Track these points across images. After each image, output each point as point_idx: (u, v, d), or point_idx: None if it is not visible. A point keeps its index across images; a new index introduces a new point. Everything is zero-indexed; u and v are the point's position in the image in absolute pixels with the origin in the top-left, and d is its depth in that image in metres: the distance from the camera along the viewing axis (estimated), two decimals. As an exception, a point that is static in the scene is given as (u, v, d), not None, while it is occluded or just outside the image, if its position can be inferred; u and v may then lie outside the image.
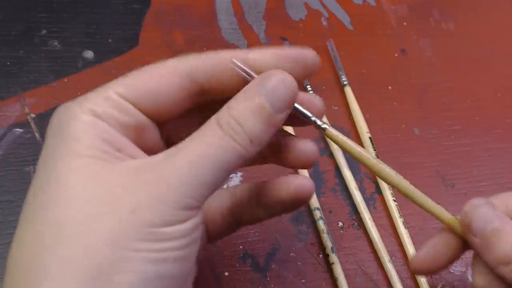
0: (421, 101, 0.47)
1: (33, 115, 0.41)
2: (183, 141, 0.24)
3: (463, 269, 0.39)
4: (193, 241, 0.24)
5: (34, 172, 0.38)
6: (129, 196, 0.22)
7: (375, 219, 0.39)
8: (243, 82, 0.26)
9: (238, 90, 0.26)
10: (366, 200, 0.40)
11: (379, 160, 0.28)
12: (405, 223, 0.39)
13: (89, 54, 0.45)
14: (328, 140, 0.42)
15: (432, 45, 0.51)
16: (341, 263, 0.37)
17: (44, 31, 0.45)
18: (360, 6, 0.53)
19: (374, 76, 0.48)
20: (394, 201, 0.40)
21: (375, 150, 0.42)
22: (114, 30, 0.46)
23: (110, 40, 0.46)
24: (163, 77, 0.26)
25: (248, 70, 0.27)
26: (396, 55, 0.50)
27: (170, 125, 0.28)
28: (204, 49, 0.47)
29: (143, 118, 0.26)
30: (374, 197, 0.41)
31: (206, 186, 0.24)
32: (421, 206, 0.29)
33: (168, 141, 0.29)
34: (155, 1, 0.49)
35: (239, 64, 0.27)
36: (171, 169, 0.23)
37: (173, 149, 0.24)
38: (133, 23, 0.47)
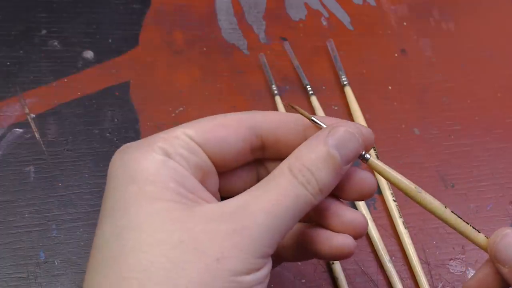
0: (421, 101, 0.47)
1: (33, 115, 0.41)
2: (255, 188, 0.25)
3: (463, 269, 0.39)
4: (266, 286, 0.24)
5: (33, 173, 0.38)
6: (213, 245, 0.23)
7: (375, 219, 0.39)
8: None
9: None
10: (366, 200, 0.40)
11: (422, 190, 0.28)
12: (405, 223, 0.39)
13: (89, 54, 0.45)
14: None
15: (432, 45, 0.51)
16: (341, 263, 0.37)
17: (44, 31, 0.45)
18: (360, 6, 0.53)
19: (374, 76, 0.48)
20: (394, 201, 0.40)
21: (375, 150, 0.42)
22: (114, 30, 0.46)
23: (110, 40, 0.46)
24: (230, 126, 0.27)
25: (323, 125, 0.27)
26: (396, 55, 0.50)
27: (225, 177, 0.29)
28: (204, 49, 0.47)
29: (208, 161, 0.27)
30: (374, 197, 0.41)
31: (280, 234, 0.24)
32: (466, 237, 0.29)
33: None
34: (155, 1, 0.49)
35: (316, 119, 0.27)
36: (251, 219, 0.23)
37: (247, 197, 0.24)
38: (133, 23, 0.47)
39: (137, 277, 0.22)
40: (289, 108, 0.29)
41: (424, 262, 0.38)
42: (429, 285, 0.37)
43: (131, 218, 0.23)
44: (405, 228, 0.39)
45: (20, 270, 0.34)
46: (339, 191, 0.28)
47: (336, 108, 0.45)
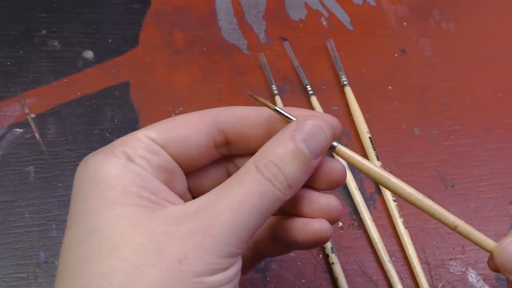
0: (421, 101, 0.47)
1: (33, 115, 0.41)
2: (220, 187, 0.24)
3: (463, 269, 0.39)
4: (234, 286, 0.24)
5: (33, 173, 0.38)
6: (175, 246, 0.22)
7: (375, 219, 0.39)
8: (268, 136, 0.27)
9: (262, 144, 0.26)
10: (366, 200, 0.40)
11: (389, 174, 0.28)
12: (405, 223, 0.39)
13: (89, 54, 0.45)
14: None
15: (432, 45, 0.51)
16: (341, 263, 0.37)
17: (44, 31, 0.45)
18: (360, 6, 0.53)
19: (374, 76, 0.48)
20: (394, 201, 0.40)
21: (375, 150, 0.42)
22: (114, 30, 0.46)
23: (110, 40, 0.46)
24: (191, 124, 0.27)
25: (288, 114, 0.27)
26: (396, 55, 0.50)
27: (194, 177, 0.28)
28: (204, 49, 0.47)
29: (172, 162, 0.27)
30: (374, 197, 0.41)
31: (247, 233, 0.24)
32: (438, 219, 0.29)
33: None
34: (155, 1, 0.49)
35: (279, 109, 0.27)
36: (214, 218, 0.23)
37: (211, 196, 0.24)
38: (133, 23, 0.47)
39: (98, 284, 0.22)
40: (252, 98, 0.29)
41: (424, 262, 0.38)
42: (429, 285, 0.37)
43: (93, 224, 0.23)
44: (405, 228, 0.39)
45: (20, 270, 0.34)
46: (308, 182, 0.27)
47: (336, 108, 0.45)
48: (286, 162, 0.25)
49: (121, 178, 0.24)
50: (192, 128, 0.27)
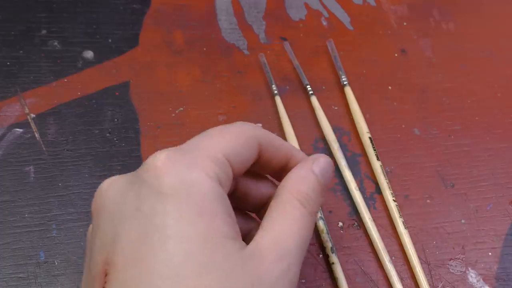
0: (421, 101, 0.47)
1: (33, 115, 0.41)
2: (276, 222, 0.26)
3: (463, 269, 0.39)
4: None
5: (33, 174, 0.38)
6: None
7: (375, 219, 0.39)
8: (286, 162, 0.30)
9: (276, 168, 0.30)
10: (366, 200, 0.40)
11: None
12: (405, 223, 0.39)
13: (89, 54, 0.45)
14: (328, 140, 0.42)
15: (432, 45, 0.51)
16: (341, 263, 0.37)
17: (44, 31, 0.45)
18: (360, 6, 0.53)
19: (374, 76, 0.48)
20: (394, 201, 0.40)
21: (375, 150, 0.42)
22: (114, 30, 0.46)
23: (110, 40, 0.46)
24: (245, 138, 0.28)
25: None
26: (396, 55, 0.50)
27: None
28: (204, 49, 0.47)
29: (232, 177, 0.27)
30: (374, 197, 0.41)
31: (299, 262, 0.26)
32: None
33: None
34: (155, 1, 0.49)
35: None
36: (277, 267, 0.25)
37: (274, 234, 0.26)
38: (133, 23, 0.47)
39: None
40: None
41: (424, 262, 0.38)
42: (429, 285, 0.37)
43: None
44: (405, 228, 0.39)
45: (20, 270, 0.34)
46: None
47: (336, 108, 0.45)
48: (315, 194, 0.28)
49: (215, 203, 0.24)
50: (244, 141, 0.28)
